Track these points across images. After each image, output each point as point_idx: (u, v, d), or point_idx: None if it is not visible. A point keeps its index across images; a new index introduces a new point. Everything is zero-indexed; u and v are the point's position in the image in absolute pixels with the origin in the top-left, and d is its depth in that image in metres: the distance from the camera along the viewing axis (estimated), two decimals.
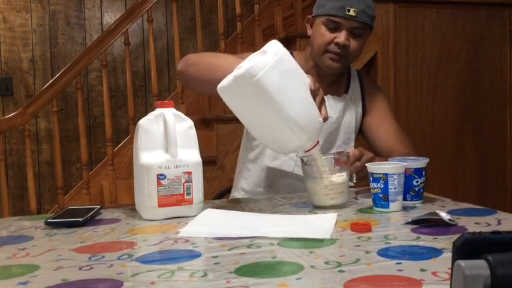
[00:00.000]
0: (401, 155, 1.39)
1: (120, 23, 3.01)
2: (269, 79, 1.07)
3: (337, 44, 1.46)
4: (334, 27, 1.46)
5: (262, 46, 1.15)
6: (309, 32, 1.56)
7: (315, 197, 1.22)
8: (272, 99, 1.08)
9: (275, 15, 3.09)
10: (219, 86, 1.12)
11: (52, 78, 3.06)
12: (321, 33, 1.48)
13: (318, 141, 1.20)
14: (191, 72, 1.41)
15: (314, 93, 1.19)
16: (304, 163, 1.24)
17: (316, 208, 1.21)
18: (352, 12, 1.43)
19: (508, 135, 2.89)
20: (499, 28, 2.85)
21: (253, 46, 2.96)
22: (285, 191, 1.55)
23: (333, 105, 1.55)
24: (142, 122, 1.16)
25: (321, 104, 1.21)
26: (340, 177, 1.20)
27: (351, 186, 1.31)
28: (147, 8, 3.02)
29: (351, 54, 1.50)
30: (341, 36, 1.45)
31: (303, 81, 1.18)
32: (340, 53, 1.47)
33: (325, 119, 1.21)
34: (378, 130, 1.61)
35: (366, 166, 1.24)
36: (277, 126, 1.13)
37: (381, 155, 1.54)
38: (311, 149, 1.19)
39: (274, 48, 1.12)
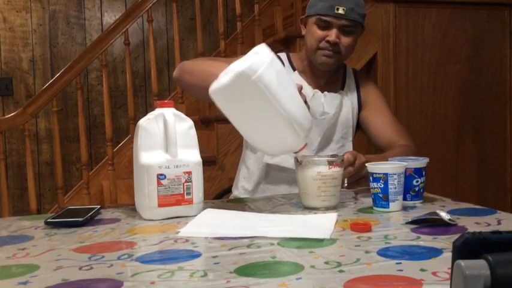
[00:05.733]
0: (400, 146, 1.41)
1: (120, 23, 3.01)
2: (269, 76, 1.08)
3: (328, 42, 1.52)
4: (325, 26, 1.52)
5: None
6: (303, 31, 1.62)
7: (306, 197, 1.22)
8: (273, 96, 1.08)
9: (275, 15, 3.09)
10: (213, 87, 1.09)
11: (52, 78, 3.06)
12: (312, 32, 1.54)
13: (306, 143, 1.21)
14: (186, 79, 1.44)
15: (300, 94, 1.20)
16: (298, 163, 1.23)
17: (311, 209, 1.21)
18: (341, 11, 1.49)
19: (508, 135, 2.89)
20: (499, 28, 2.85)
21: (253, 46, 2.93)
22: (286, 186, 1.57)
23: (329, 101, 1.59)
24: (142, 121, 1.16)
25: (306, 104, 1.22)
26: (333, 179, 1.20)
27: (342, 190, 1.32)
28: (147, 8, 3.03)
29: (344, 51, 1.55)
30: (331, 35, 1.51)
31: (293, 81, 1.21)
32: (332, 50, 1.53)
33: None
34: (374, 122, 1.64)
35: (358, 171, 1.28)
36: (276, 124, 1.12)
37: (379, 147, 1.58)
38: (301, 150, 1.20)
39: (265, 49, 1.13)
